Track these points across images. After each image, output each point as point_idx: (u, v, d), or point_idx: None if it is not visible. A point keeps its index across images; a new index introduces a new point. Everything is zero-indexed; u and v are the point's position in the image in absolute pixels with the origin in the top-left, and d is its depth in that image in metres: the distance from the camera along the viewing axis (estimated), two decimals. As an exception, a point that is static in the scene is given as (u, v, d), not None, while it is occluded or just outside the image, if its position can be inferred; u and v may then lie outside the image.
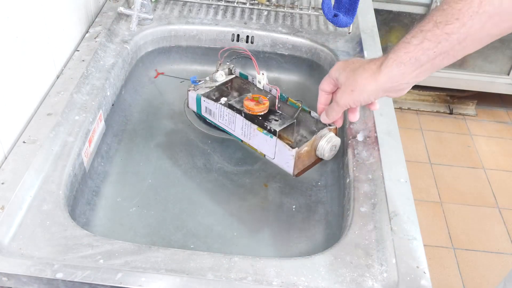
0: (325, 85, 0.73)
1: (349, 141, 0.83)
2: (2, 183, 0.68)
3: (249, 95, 0.84)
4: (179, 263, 0.61)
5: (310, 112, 0.81)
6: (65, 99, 0.83)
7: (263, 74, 0.86)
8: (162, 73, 1.09)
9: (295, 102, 0.83)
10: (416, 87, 2.37)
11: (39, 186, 0.70)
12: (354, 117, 0.74)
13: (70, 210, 0.70)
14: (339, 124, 0.77)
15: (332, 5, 1.07)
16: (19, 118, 0.77)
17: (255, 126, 0.79)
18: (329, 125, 0.78)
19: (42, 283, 0.59)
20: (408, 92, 2.63)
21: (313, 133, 0.80)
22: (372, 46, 1.03)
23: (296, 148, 0.75)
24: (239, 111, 0.83)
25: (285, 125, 0.80)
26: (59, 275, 0.58)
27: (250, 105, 0.81)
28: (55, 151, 0.75)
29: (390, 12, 2.15)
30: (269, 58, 1.12)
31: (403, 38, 0.62)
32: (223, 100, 0.87)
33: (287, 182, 0.86)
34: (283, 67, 1.13)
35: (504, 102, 2.49)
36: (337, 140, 0.78)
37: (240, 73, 0.91)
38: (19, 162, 0.71)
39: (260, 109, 0.81)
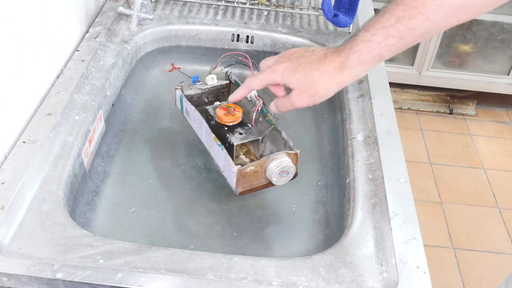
0: (258, 85, 0.70)
1: (349, 141, 0.83)
2: (2, 183, 0.68)
3: (224, 103, 0.83)
4: (179, 263, 0.61)
5: (281, 132, 0.79)
6: (65, 99, 0.83)
7: None
8: (178, 68, 1.09)
9: (272, 119, 0.80)
10: (416, 87, 2.38)
11: (39, 186, 0.70)
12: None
13: (70, 210, 0.70)
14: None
15: (332, 5, 1.07)
16: (19, 118, 0.77)
17: (213, 136, 0.78)
18: (291, 149, 0.76)
19: (42, 283, 0.59)
20: (408, 92, 2.60)
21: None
22: (372, 46, 1.03)
23: (239, 166, 0.72)
24: (211, 117, 0.82)
25: (246, 140, 0.77)
26: (59, 275, 0.58)
27: (219, 114, 0.80)
28: (55, 151, 0.75)
29: (390, 12, 2.14)
30: (269, 58, 1.12)
31: (360, 35, 0.60)
32: (217, 103, 0.86)
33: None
34: (283, 67, 1.12)
35: (504, 102, 2.49)
36: (289, 166, 0.74)
37: (235, 80, 0.89)
38: (19, 162, 0.71)
39: (228, 120, 0.79)
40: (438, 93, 2.40)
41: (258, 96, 0.84)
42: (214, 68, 0.91)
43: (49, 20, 0.85)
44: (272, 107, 0.72)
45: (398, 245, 0.65)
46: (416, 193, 1.92)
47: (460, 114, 2.42)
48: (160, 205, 0.81)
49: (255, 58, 1.12)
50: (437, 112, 2.42)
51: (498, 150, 2.23)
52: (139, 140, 0.93)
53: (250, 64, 0.84)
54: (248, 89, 0.72)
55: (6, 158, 0.72)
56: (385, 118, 0.85)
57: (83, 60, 0.92)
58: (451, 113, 2.42)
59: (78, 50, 0.95)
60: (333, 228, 0.77)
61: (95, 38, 0.99)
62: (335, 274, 0.62)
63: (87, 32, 1.01)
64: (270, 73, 0.68)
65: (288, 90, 0.69)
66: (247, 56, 0.86)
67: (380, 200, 0.71)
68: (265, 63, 0.71)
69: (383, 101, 0.89)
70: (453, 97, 2.41)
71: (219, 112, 0.80)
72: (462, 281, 1.69)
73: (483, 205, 1.96)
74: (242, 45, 1.11)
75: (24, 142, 0.74)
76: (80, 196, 0.77)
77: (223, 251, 0.74)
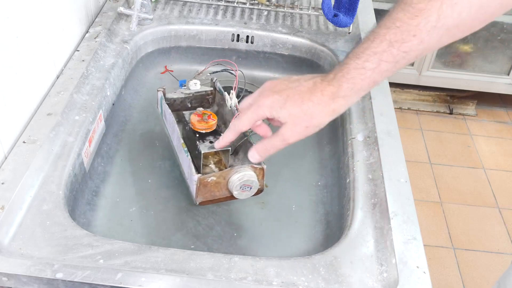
0: (247, 126, 0.66)
1: (349, 141, 0.83)
2: (2, 183, 0.68)
3: (199, 109, 0.81)
4: (179, 263, 0.61)
5: (252, 145, 0.76)
6: (65, 99, 0.83)
7: (231, 94, 0.81)
8: (171, 71, 1.08)
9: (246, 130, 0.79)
10: (416, 87, 2.38)
11: (39, 186, 0.70)
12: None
13: (70, 210, 0.70)
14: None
15: (332, 5, 1.07)
16: (19, 118, 0.77)
17: (182, 141, 0.77)
18: (259, 163, 0.73)
19: (42, 283, 0.59)
20: (408, 92, 2.60)
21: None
22: (372, 46, 1.03)
23: (200, 175, 0.71)
24: (186, 123, 0.81)
25: (214, 150, 0.75)
26: (59, 275, 0.58)
27: (193, 120, 0.79)
28: (55, 151, 0.75)
29: (390, 12, 2.14)
30: (269, 58, 1.12)
31: (350, 62, 0.58)
32: (199, 110, 0.84)
33: (287, 182, 0.86)
34: (283, 67, 1.13)
35: (504, 102, 2.49)
36: (252, 181, 0.72)
37: (219, 88, 0.87)
38: (19, 162, 0.71)
39: (202, 127, 0.78)
40: (438, 93, 2.40)
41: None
42: (199, 74, 0.89)
43: (49, 20, 0.85)
44: (254, 155, 0.67)
45: (398, 245, 0.65)
46: (416, 193, 1.93)
47: (460, 114, 2.42)
48: (160, 205, 0.81)
49: (255, 58, 1.12)
50: (437, 112, 2.42)
51: (498, 150, 2.23)
52: (139, 140, 0.93)
53: (236, 74, 0.83)
54: (234, 132, 0.68)
55: (6, 158, 0.72)
56: (385, 118, 0.85)
57: (83, 60, 0.92)
58: (451, 113, 2.42)
59: (78, 50, 0.95)
60: (333, 228, 0.77)
61: (95, 38, 0.99)
62: (335, 274, 0.62)
63: (87, 32, 1.01)
64: (256, 109, 0.64)
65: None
66: (235, 64, 0.84)
67: (380, 200, 0.71)
68: (245, 102, 0.67)
69: (383, 101, 0.89)
70: (453, 97, 2.41)
71: (193, 118, 0.79)
72: (462, 281, 1.69)
73: (483, 205, 1.96)
74: (242, 45, 1.11)
75: (24, 142, 0.74)
76: (80, 196, 0.77)
77: (223, 251, 0.74)
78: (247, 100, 0.67)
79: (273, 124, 0.68)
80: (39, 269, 0.59)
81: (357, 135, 0.83)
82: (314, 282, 0.61)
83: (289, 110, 0.61)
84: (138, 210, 0.80)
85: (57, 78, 0.88)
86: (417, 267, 0.62)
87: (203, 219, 0.80)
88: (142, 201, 0.82)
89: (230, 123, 0.68)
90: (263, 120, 0.68)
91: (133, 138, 0.94)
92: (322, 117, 0.61)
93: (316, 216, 0.81)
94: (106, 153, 0.88)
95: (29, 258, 0.60)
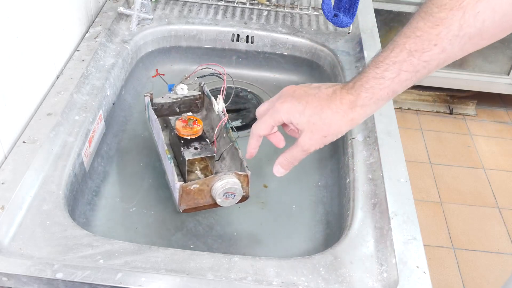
0: (265, 130, 0.64)
1: (349, 141, 0.83)
2: (2, 183, 0.68)
3: (185, 115, 0.80)
4: (179, 263, 0.61)
5: (238, 151, 0.76)
6: (65, 99, 0.83)
7: (218, 99, 0.81)
8: (163, 75, 1.08)
9: (232, 136, 0.78)
10: (416, 87, 2.37)
11: (39, 186, 0.70)
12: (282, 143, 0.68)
13: (70, 210, 0.70)
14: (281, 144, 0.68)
15: (332, 5, 1.07)
16: (19, 118, 0.77)
17: (166, 148, 0.76)
18: (243, 169, 0.73)
19: (42, 283, 0.59)
20: (408, 92, 2.60)
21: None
22: (372, 46, 1.03)
23: (182, 183, 0.70)
24: (172, 128, 0.80)
25: (199, 156, 0.75)
26: (59, 275, 0.58)
27: (178, 126, 0.78)
28: (55, 151, 0.75)
29: (390, 12, 2.15)
30: (269, 58, 1.12)
31: (369, 72, 0.57)
32: (185, 115, 0.82)
33: (287, 182, 0.86)
34: (283, 67, 1.13)
35: (504, 102, 2.49)
36: (235, 188, 0.71)
37: (207, 92, 0.87)
38: (19, 162, 0.71)
39: (187, 133, 0.77)
40: (438, 93, 2.40)
41: (226, 110, 0.82)
42: (186, 78, 0.88)
43: (49, 20, 0.85)
44: (280, 168, 0.65)
45: (398, 245, 0.65)
46: (416, 193, 1.92)
47: (460, 114, 2.42)
48: (160, 205, 0.81)
49: (255, 58, 1.12)
50: (437, 112, 2.42)
51: (498, 150, 2.23)
52: (139, 140, 0.93)
53: (224, 78, 0.82)
54: (256, 137, 0.65)
55: (6, 158, 0.72)
56: (385, 118, 0.85)
57: (83, 60, 0.92)
58: (451, 113, 2.42)
59: (78, 50, 0.95)
60: (333, 228, 0.77)
61: (95, 38, 0.99)
62: (335, 274, 0.62)
63: (87, 32, 1.01)
64: (273, 113, 0.62)
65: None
66: (223, 68, 0.83)
67: (380, 200, 0.71)
68: (262, 106, 0.65)
69: (383, 101, 0.89)
70: (453, 97, 2.41)
71: (178, 124, 0.78)
72: (462, 281, 1.69)
73: (483, 205, 1.96)
74: (242, 45, 1.12)
75: (24, 142, 0.74)
76: (80, 196, 0.77)
77: (223, 251, 0.74)
78: (264, 105, 0.65)
79: (287, 132, 0.67)
80: (39, 269, 0.59)
81: (357, 135, 0.83)
82: (314, 282, 0.61)
83: (307, 117, 0.59)
84: (138, 210, 0.80)
85: (57, 78, 0.88)
86: (417, 267, 0.62)
87: (203, 219, 0.80)
88: (142, 201, 0.82)
89: (251, 130, 0.66)
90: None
91: (133, 138, 0.94)
92: (340, 126, 0.59)
93: (316, 216, 0.81)
94: (106, 153, 0.88)
95: (29, 258, 0.60)
